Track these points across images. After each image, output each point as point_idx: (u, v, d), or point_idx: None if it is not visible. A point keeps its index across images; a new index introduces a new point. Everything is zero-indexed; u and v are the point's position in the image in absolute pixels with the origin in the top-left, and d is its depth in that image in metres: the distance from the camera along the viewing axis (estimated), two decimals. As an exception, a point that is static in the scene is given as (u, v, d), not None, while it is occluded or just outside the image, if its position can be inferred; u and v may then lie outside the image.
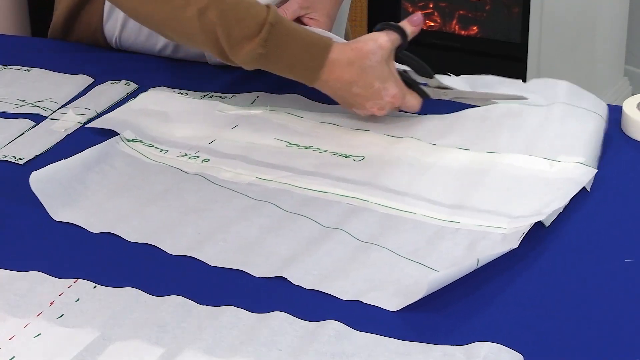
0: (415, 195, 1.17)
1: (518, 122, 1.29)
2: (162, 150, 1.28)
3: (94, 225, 1.13)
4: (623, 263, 1.05)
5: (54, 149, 1.31)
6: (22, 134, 1.35)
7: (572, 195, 1.14)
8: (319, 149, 1.27)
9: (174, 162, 1.25)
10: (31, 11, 2.66)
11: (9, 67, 1.53)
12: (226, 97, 1.41)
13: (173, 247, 1.09)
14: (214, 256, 1.07)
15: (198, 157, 1.26)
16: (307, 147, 1.28)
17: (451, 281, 1.00)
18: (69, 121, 1.36)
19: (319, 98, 1.39)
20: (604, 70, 3.11)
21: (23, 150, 1.30)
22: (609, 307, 0.98)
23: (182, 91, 1.43)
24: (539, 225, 1.10)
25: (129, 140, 1.29)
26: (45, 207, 1.16)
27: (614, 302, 0.99)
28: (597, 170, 1.19)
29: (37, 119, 1.38)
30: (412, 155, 1.25)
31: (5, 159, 1.28)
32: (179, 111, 1.37)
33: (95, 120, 1.35)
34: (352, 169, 1.23)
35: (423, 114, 1.32)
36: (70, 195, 1.18)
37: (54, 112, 1.40)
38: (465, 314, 0.98)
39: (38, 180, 1.18)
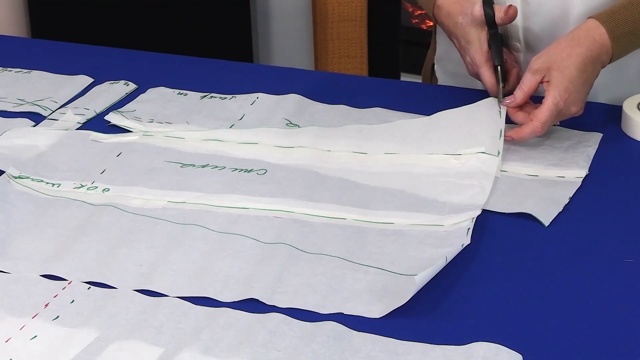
0: (333, 200, 1.15)
1: (406, 123, 1.29)
2: (53, 184, 1.20)
3: (24, 269, 1.06)
4: (623, 263, 1.04)
5: (52, 150, 1.30)
6: (21, 134, 1.34)
7: (490, 188, 1.15)
8: (217, 167, 1.24)
9: (73, 194, 1.19)
10: (31, 11, 2.67)
11: (9, 69, 1.53)
12: (226, 97, 1.41)
13: (120, 282, 1.03)
14: (169, 286, 1.02)
15: (96, 187, 1.19)
16: (203, 166, 1.24)
17: (426, 282, 0.99)
18: (68, 121, 1.36)
19: (318, 98, 1.39)
20: (603, 69, 3.10)
21: (22, 151, 1.30)
22: (609, 307, 0.98)
23: (181, 91, 1.43)
24: (538, 225, 1.10)
25: (15, 178, 1.21)
26: None
27: (614, 302, 0.99)
28: (498, 157, 1.19)
29: (36, 118, 1.38)
30: (311, 163, 1.23)
31: (4, 159, 1.28)
32: (51, 144, 1.29)
33: None
34: (260, 182, 1.20)
35: (308, 126, 1.31)
36: None
37: (53, 112, 1.39)
38: (465, 314, 0.98)
39: None
